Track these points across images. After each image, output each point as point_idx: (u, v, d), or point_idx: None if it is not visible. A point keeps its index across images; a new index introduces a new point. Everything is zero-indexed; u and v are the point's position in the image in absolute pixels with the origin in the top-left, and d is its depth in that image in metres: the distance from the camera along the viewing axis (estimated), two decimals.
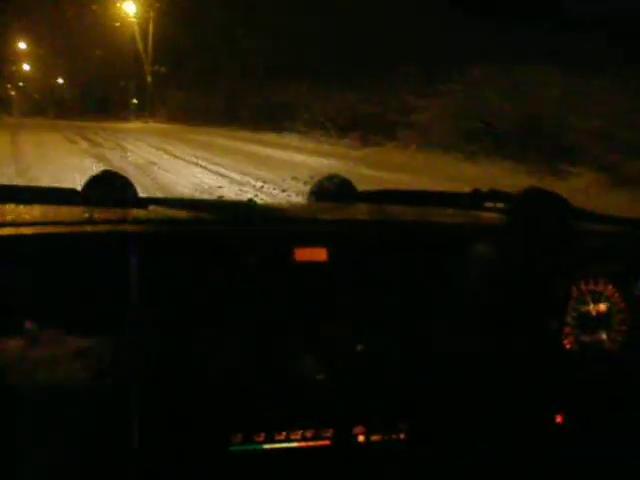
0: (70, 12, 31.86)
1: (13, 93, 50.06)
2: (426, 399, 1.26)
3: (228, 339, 1.19)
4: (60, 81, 48.77)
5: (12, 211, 1.34)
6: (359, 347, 1.22)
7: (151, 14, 33.52)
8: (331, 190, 1.69)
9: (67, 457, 1.10)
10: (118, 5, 33.75)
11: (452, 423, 1.27)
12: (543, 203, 1.47)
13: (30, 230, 1.21)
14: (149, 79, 36.30)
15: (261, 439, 1.18)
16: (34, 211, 1.36)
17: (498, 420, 1.29)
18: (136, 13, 34.35)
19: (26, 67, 47.31)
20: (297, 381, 1.19)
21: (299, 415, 1.19)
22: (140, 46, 35.59)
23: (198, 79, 29.54)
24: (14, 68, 46.44)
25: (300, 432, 1.19)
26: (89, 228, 1.24)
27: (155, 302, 1.17)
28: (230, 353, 1.19)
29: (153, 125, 31.32)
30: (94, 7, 31.93)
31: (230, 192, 8.59)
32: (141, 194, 1.54)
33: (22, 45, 43.52)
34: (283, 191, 8.29)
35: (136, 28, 34.69)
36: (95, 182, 1.51)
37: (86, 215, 1.32)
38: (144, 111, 36.59)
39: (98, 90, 41.35)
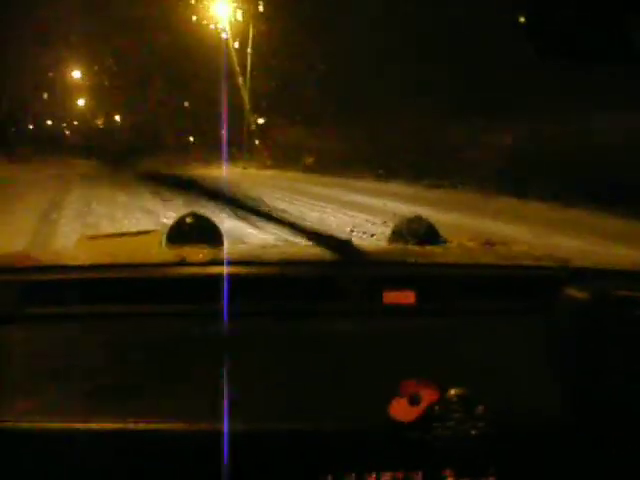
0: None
1: (67, 133, 43.80)
2: (513, 447, 1.25)
3: (322, 383, 1.21)
4: (117, 118, 41.94)
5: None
6: (450, 391, 1.22)
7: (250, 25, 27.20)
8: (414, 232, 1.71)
9: None
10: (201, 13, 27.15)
11: (541, 474, 1.26)
12: None
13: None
14: (247, 108, 28.44)
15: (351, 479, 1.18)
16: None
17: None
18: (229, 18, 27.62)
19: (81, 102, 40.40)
20: (388, 424, 1.20)
21: (390, 458, 1.20)
22: (235, 63, 27.41)
23: (322, 113, 23.58)
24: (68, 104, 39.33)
25: (390, 474, 1.19)
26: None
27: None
28: (321, 393, 1.21)
29: (254, 172, 23.89)
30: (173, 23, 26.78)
31: None
32: None
33: (76, 74, 36.50)
34: None
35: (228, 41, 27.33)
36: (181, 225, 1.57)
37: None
38: (241, 152, 29.06)
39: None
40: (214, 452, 1.14)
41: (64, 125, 43.40)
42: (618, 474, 1.26)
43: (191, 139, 35.14)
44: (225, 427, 1.15)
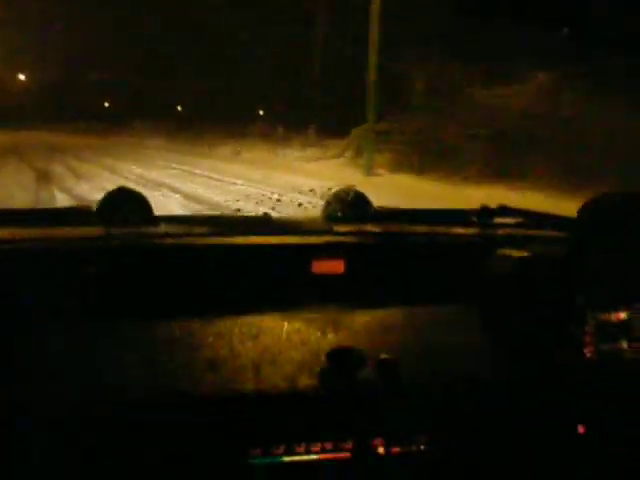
0: None
1: None
2: (446, 411, 1.25)
3: (244, 350, 1.19)
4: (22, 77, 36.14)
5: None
6: (380, 357, 1.21)
7: None
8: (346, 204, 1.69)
9: None
10: None
11: (472, 435, 1.26)
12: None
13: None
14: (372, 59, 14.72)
15: (280, 451, 1.17)
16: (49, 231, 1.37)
17: (519, 432, 1.28)
18: None
19: None
20: (317, 393, 1.19)
21: (319, 427, 1.19)
22: None
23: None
24: None
25: (319, 444, 1.18)
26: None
27: (174, 314, 1.18)
28: (249, 364, 1.19)
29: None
30: None
31: None
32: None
33: None
34: None
35: None
36: (110, 200, 1.52)
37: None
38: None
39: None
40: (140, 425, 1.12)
41: None
42: (551, 434, 1.28)
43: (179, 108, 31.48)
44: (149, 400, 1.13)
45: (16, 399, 1.07)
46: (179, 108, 32.27)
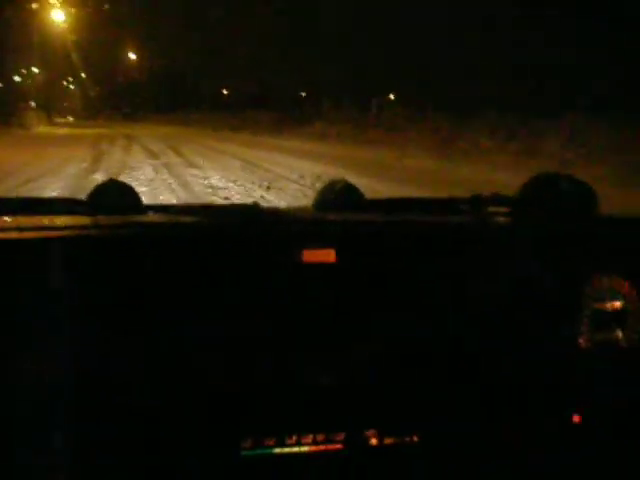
0: None
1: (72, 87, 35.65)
2: (439, 401, 1.23)
3: (237, 341, 1.17)
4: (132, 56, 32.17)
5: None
6: (370, 349, 1.20)
7: None
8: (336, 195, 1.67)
9: None
10: None
11: (466, 425, 1.25)
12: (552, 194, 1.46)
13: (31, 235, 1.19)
14: None
15: (271, 443, 1.15)
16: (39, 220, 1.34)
17: (514, 421, 1.26)
18: None
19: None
20: (309, 384, 1.17)
21: (310, 419, 1.17)
22: None
23: None
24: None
25: (311, 436, 1.17)
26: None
27: (161, 305, 1.16)
28: (240, 356, 1.17)
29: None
30: None
31: None
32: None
33: None
34: None
35: None
36: (100, 191, 1.50)
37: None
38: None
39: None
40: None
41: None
42: (546, 424, 1.27)
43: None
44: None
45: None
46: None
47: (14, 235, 1.17)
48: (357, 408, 1.19)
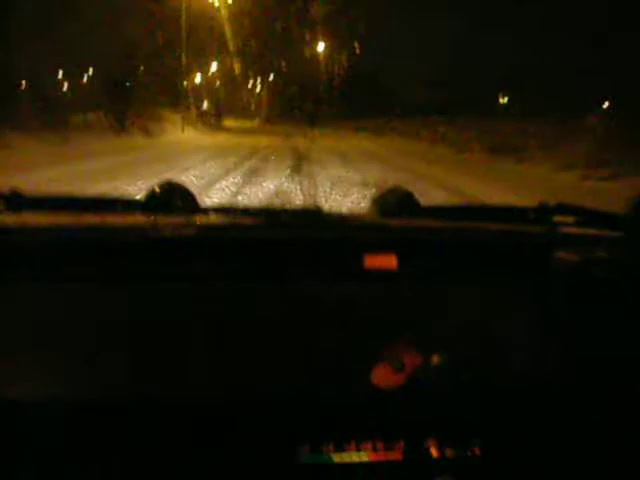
0: None
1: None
2: (502, 414, 1.20)
3: (299, 347, 1.16)
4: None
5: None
6: (435, 358, 1.17)
7: None
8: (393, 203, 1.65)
9: None
10: None
11: (529, 440, 1.21)
12: None
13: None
14: None
15: (330, 450, 1.14)
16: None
17: (582, 441, 1.22)
18: None
19: None
20: (369, 392, 1.15)
21: (370, 426, 1.15)
22: None
23: None
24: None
25: (371, 443, 1.15)
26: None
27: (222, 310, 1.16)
28: (302, 361, 1.16)
29: None
30: None
31: None
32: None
33: None
34: None
35: None
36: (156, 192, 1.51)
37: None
38: None
39: None
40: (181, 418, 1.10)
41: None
42: (616, 437, 1.21)
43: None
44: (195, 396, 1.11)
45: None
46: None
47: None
48: (419, 416, 1.17)
